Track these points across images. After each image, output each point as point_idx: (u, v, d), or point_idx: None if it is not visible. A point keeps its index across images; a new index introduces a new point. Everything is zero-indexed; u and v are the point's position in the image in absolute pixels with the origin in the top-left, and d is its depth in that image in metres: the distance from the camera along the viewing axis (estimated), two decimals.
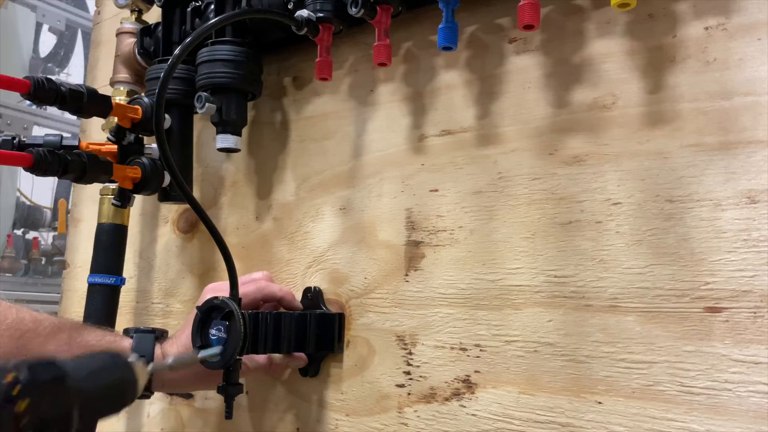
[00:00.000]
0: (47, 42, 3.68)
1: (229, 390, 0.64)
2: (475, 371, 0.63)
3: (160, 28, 0.86)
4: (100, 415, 0.48)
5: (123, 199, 0.79)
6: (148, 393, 0.71)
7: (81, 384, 0.45)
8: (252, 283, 0.74)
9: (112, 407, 0.49)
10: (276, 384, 0.80)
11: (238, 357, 0.63)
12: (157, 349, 0.70)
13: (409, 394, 0.67)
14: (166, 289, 0.97)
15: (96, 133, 1.09)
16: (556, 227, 0.59)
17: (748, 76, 0.51)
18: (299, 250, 0.80)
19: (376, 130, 0.75)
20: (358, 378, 0.72)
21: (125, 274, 0.88)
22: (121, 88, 0.91)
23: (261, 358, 0.74)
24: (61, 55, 3.74)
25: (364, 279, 0.73)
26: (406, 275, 0.69)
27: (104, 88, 0.85)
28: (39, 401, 0.41)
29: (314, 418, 0.76)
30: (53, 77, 0.70)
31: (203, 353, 0.61)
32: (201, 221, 0.63)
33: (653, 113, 0.55)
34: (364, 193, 0.74)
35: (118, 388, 0.49)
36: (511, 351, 0.61)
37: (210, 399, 0.88)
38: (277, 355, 0.74)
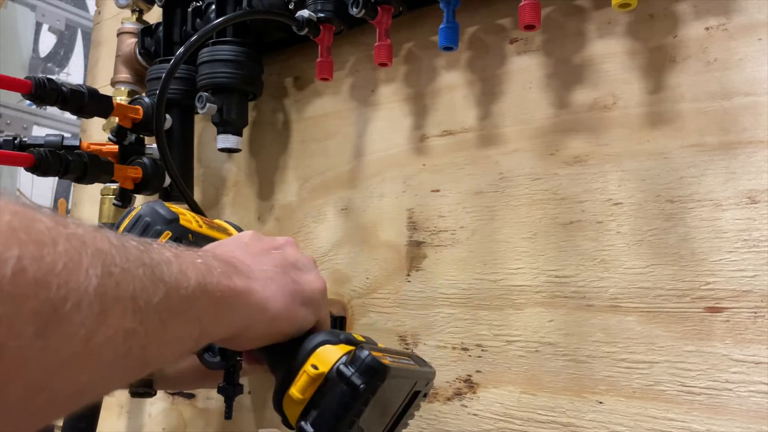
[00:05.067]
0: (47, 42, 3.68)
1: (229, 391, 0.64)
2: (477, 371, 0.63)
3: (160, 28, 0.86)
4: None
5: (124, 200, 0.79)
6: (150, 391, 0.71)
7: None
8: None
9: None
10: None
11: (238, 358, 0.63)
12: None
13: None
14: None
15: (97, 133, 1.09)
16: (557, 227, 0.59)
17: (748, 76, 0.51)
18: (301, 250, 0.80)
19: (377, 131, 0.75)
20: None
21: None
22: (122, 88, 0.91)
23: None
24: (60, 55, 3.74)
25: (366, 279, 0.73)
26: (408, 275, 0.69)
27: (105, 88, 0.85)
28: None
29: None
30: (54, 77, 0.70)
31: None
32: None
33: (654, 113, 0.55)
34: (366, 193, 0.74)
35: None
36: (513, 351, 0.61)
37: (212, 399, 0.88)
38: None
